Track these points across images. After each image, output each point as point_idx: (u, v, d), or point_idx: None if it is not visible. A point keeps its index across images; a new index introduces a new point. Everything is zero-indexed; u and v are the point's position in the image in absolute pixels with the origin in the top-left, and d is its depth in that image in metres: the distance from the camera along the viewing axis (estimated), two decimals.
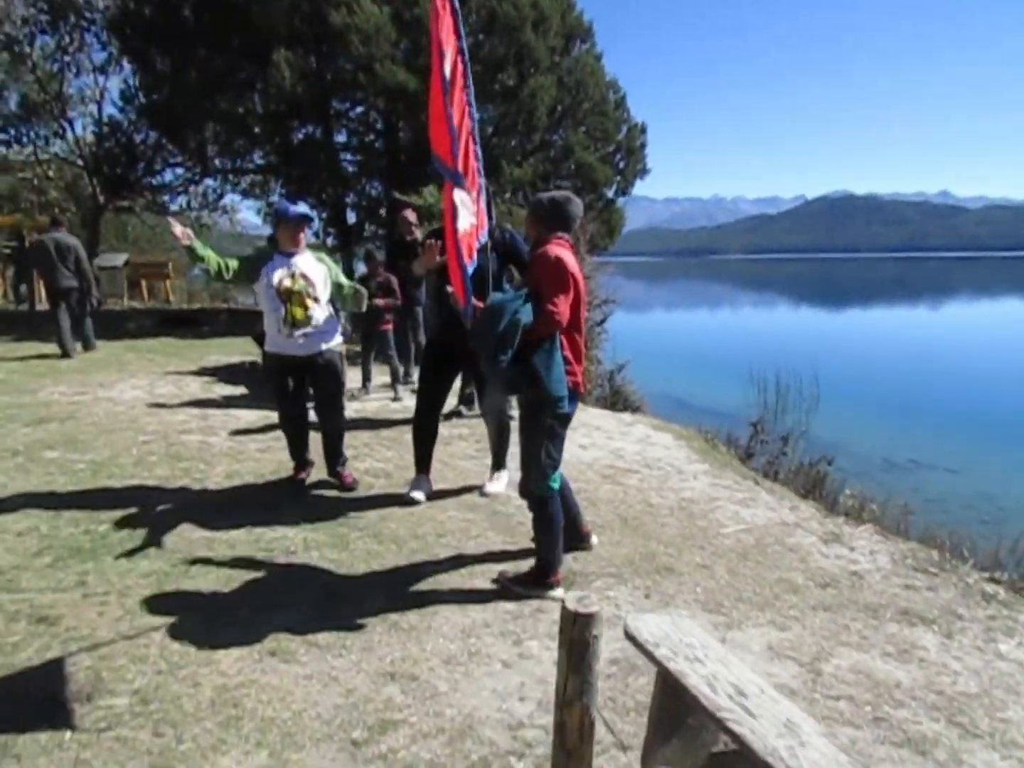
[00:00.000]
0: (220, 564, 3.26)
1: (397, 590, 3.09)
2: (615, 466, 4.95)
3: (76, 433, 5.27)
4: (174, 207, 16.17)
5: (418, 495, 4.08)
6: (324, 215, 16.57)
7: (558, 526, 3.09)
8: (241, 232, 21.25)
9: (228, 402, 6.47)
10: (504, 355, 2.81)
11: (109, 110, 16.06)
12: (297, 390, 4.17)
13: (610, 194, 15.18)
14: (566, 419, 3.02)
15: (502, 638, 2.76)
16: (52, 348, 8.75)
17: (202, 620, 2.79)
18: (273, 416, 5.89)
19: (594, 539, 3.55)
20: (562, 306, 2.86)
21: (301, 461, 4.36)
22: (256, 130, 11.72)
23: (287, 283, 3.89)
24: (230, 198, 17.11)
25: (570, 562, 3.35)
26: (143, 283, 19.67)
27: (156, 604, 2.90)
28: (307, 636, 2.70)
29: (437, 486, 4.27)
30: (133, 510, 3.84)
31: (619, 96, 14.52)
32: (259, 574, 3.19)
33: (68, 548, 3.37)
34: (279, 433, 5.38)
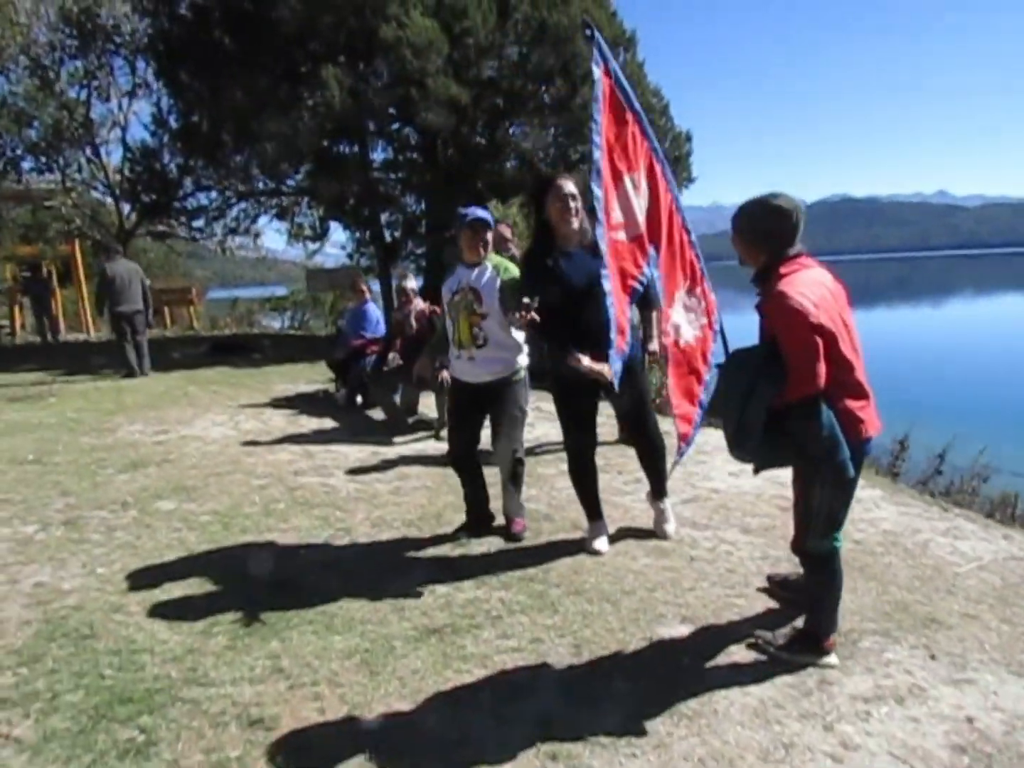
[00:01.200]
0: (425, 637, 2.81)
1: (644, 662, 2.64)
2: (784, 495, 4.48)
3: (181, 479, 4.83)
4: (211, 232, 15.76)
5: (601, 545, 3.60)
6: (358, 234, 16.26)
7: (839, 587, 2.63)
8: (265, 255, 20.87)
9: (323, 437, 6.02)
10: (750, 440, 2.37)
11: (136, 134, 15.80)
12: (472, 424, 3.70)
13: None
14: (854, 469, 2.51)
15: (806, 722, 2.29)
16: (107, 381, 8.35)
17: (446, 715, 2.34)
18: (384, 452, 5.52)
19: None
20: (815, 367, 2.28)
21: (479, 512, 3.82)
22: (303, 150, 11.33)
23: (455, 299, 3.55)
24: (263, 220, 16.68)
25: None
26: (166, 310, 19.34)
27: (378, 694, 2.44)
28: (580, 732, 2.24)
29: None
30: (289, 571, 3.40)
31: (663, 104, 14.16)
32: (477, 649, 2.73)
33: (239, 623, 2.92)
34: (403, 470, 4.99)
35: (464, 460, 3.74)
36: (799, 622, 2.79)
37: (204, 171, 14.07)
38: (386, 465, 5.15)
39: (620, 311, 2.87)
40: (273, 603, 3.07)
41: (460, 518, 3.94)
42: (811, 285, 2.36)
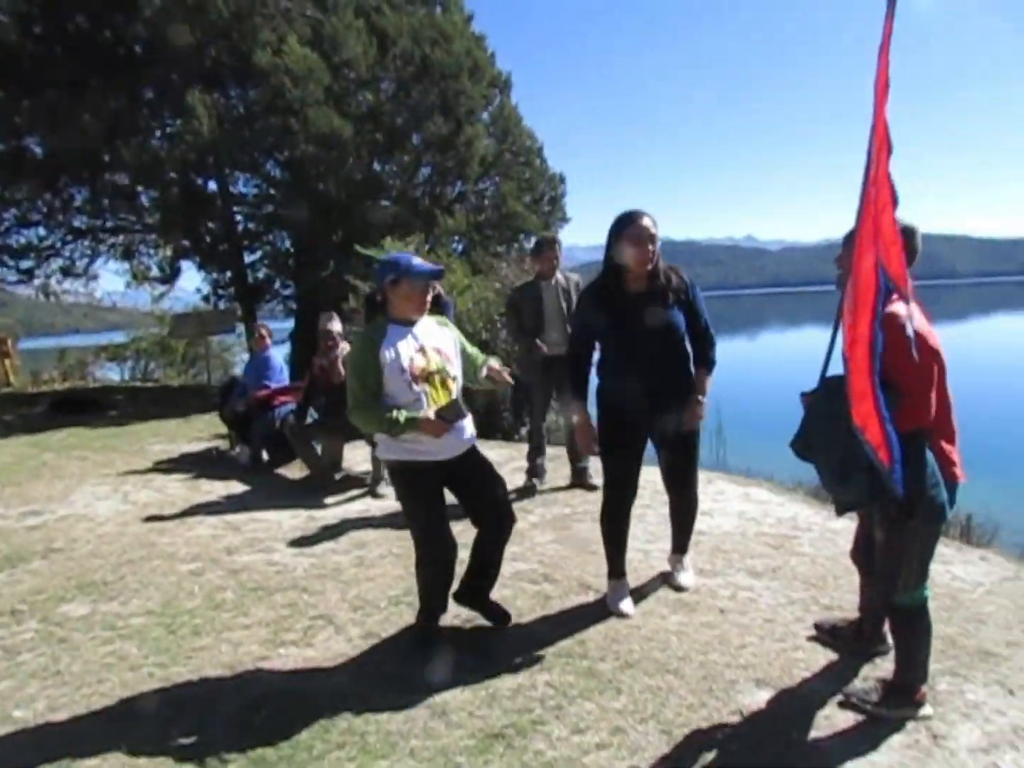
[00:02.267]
0: (488, 745, 2.35)
1: (746, 740, 2.35)
2: (766, 532, 4.41)
3: (83, 573, 3.94)
4: (42, 273, 13.75)
5: (628, 607, 3.29)
6: (215, 275, 14.99)
7: (929, 638, 2.49)
8: (100, 302, 18.61)
9: (240, 504, 5.25)
10: (856, 474, 2.19)
11: None
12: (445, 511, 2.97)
13: (530, 243, 14.99)
14: (943, 519, 2.43)
15: None
16: None
17: None
18: (321, 516, 4.87)
19: (890, 640, 2.93)
20: (929, 396, 2.20)
21: (441, 607, 3.10)
22: (163, 181, 10.26)
23: (421, 363, 2.80)
24: (100, 261, 14.89)
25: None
26: None
27: None
28: None
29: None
30: (281, 681, 2.77)
31: (537, 146, 14.45)
32: (557, 752, 2.31)
33: (244, 765, 2.29)
34: (355, 537, 4.41)
35: (453, 557, 3.00)
36: (880, 672, 2.65)
37: (31, 203, 12.37)
38: (331, 532, 4.53)
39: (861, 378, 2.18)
40: (279, 728, 2.46)
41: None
42: (920, 317, 2.24)
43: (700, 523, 4.50)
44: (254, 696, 2.66)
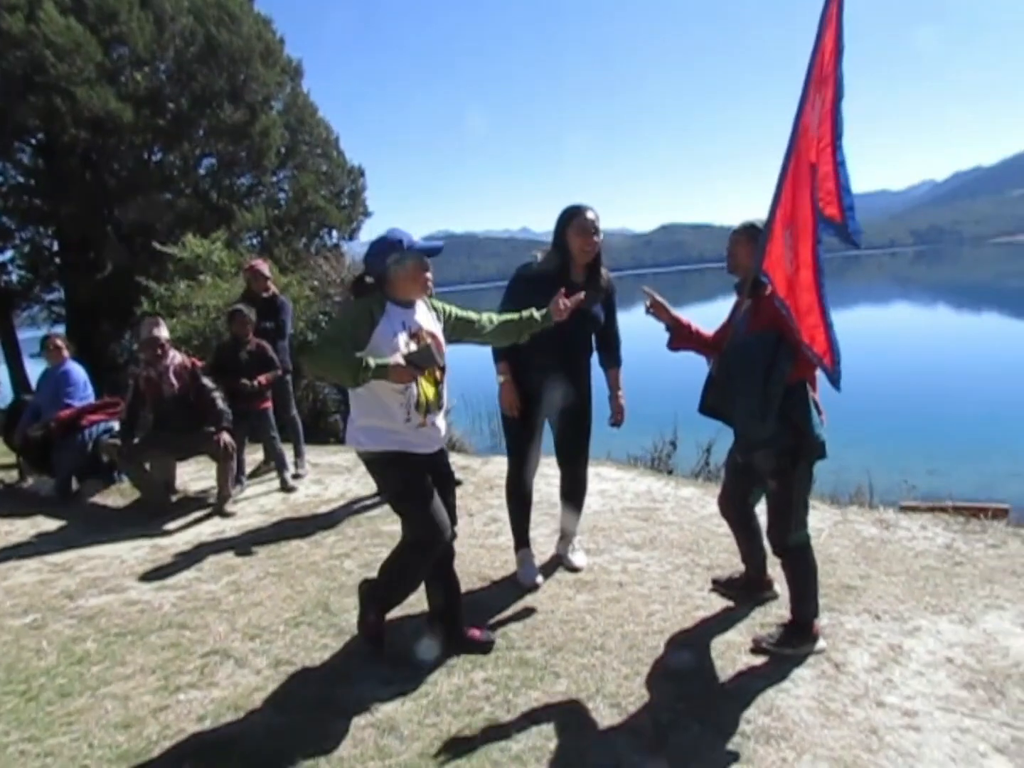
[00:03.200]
0: (456, 753, 2.29)
1: (690, 699, 2.53)
2: (630, 507, 4.71)
3: None
4: None
5: (538, 577, 3.50)
6: None
7: (816, 574, 2.86)
8: None
9: (60, 542, 4.54)
10: (771, 413, 2.60)
11: None
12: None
13: (334, 238, 14.45)
14: (823, 456, 2.80)
15: (862, 705, 2.44)
16: None
17: None
18: (168, 544, 4.36)
19: (777, 587, 3.30)
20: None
21: (400, 600, 2.91)
22: None
23: (414, 347, 2.61)
24: None
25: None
26: None
27: None
28: None
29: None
30: (207, 746, 2.42)
31: (333, 137, 13.96)
32: (523, 744, 2.31)
33: None
34: (219, 561, 4.03)
35: (450, 544, 2.86)
36: (772, 618, 2.99)
37: None
38: (189, 560, 4.08)
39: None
40: None
41: (348, 602, 3.31)
42: None
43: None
44: (173, 753, 2.34)
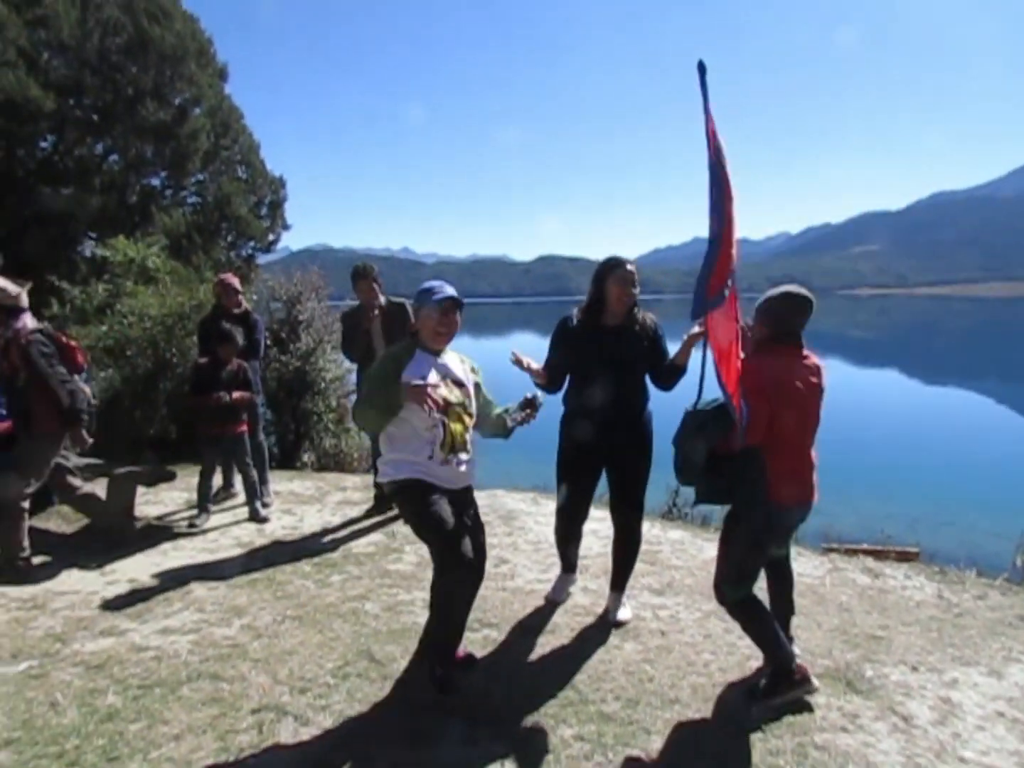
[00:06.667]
0: None
1: (782, 741, 2.56)
2: (642, 550, 4.72)
3: None
4: None
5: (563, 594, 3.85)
6: None
7: (769, 619, 2.91)
8: None
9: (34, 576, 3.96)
10: (689, 470, 2.78)
11: None
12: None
13: (249, 250, 13.69)
14: (776, 530, 2.89)
15: (930, 757, 2.58)
16: None
17: None
18: (144, 579, 3.90)
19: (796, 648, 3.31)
20: (756, 420, 2.65)
21: (458, 635, 2.99)
22: None
23: (443, 392, 2.79)
24: None
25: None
26: None
27: None
28: None
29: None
30: None
31: (256, 144, 13.37)
32: None
33: None
34: (221, 599, 3.70)
35: (479, 565, 2.93)
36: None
37: None
38: (181, 598, 3.71)
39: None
40: None
41: (390, 649, 3.14)
42: (780, 369, 2.76)
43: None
44: None
